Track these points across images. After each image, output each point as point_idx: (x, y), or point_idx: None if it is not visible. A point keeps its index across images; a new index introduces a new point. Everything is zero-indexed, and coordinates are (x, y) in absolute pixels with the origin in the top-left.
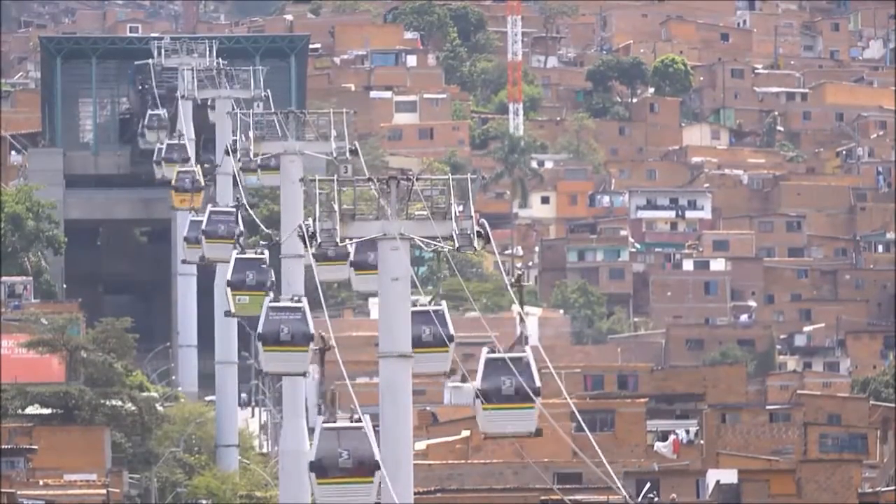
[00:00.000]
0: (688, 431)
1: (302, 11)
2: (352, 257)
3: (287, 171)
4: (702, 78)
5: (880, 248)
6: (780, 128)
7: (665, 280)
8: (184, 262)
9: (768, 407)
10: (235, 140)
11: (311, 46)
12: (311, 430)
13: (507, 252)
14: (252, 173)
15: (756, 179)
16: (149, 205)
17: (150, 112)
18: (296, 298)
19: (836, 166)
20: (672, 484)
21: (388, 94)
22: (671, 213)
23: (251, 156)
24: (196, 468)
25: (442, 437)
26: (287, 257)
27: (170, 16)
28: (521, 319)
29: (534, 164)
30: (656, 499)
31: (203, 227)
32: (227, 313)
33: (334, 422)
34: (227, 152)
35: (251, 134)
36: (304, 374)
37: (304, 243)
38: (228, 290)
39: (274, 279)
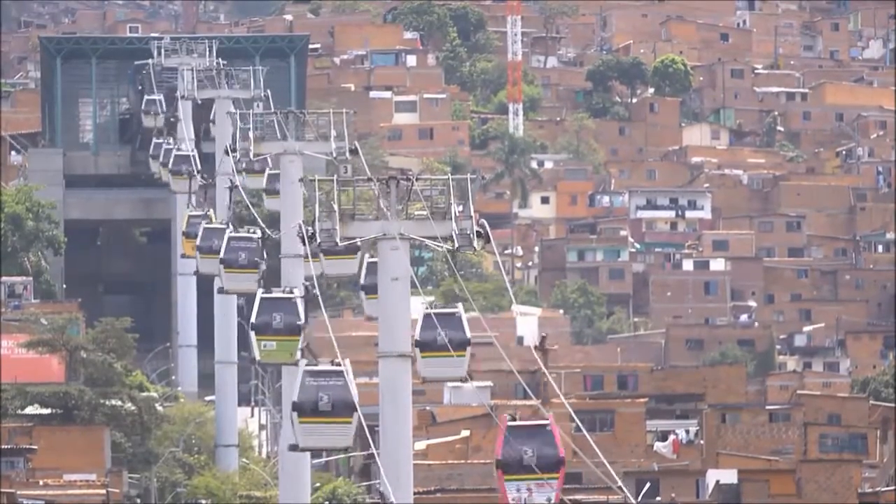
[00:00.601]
0: (688, 431)
1: (302, 11)
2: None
3: (287, 171)
4: (702, 78)
5: (880, 248)
6: (780, 128)
7: (665, 280)
8: (183, 256)
9: (768, 407)
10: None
11: (310, 46)
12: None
13: (507, 252)
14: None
15: (756, 179)
16: (149, 205)
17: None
18: (336, 363)
19: (836, 166)
20: (672, 484)
21: (387, 94)
22: (671, 213)
23: (251, 156)
24: (196, 468)
25: (442, 437)
26: (287, 257)
27: (170, 16)
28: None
29: (534, 164)
30: (658, 497)
31: (221, 254)
32: (252, 360)
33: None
34: (226, 152)
35: (251, 134)
36: (346, 450)
37: (304, 243)
38: (252, 334)
39: (304, 320)
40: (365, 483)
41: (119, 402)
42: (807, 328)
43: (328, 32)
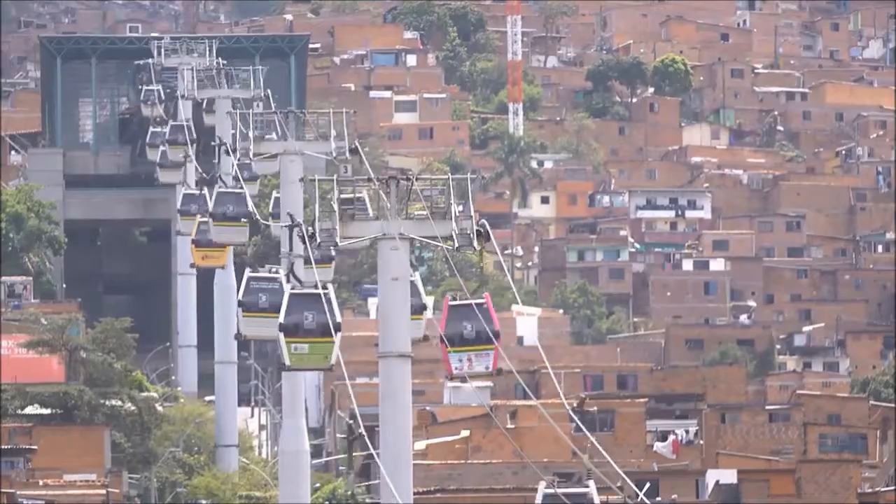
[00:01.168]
0: (687, 431)
1: (302, 11)
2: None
3: (287, 171)
4: (702, 78)
5: (880, 248)
6: (779, 128)
7: (665, 280)
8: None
9: (768, 407)
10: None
11: (310, 46)
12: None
13: (507, 252)
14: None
15: (756, 179)
16: (149, 205)
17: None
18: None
19: (835, 166)
20: (672, 484)
21: (387, 93)
22: (671, 213)
23: (251, 156)
24: (196, 468)
25: (441, 437)
26: (287, 256)
27: (170, 16)
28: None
29: (534, 164)
30: (658, 497)
31: (239, 297)
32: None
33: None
34: (226, 152)
35: (251, 134)
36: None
37: (304, 243)
38: (282, 336)
39: (339, 318)
40: (365, 483)
41: (119, 402)
42: (807, 328)
43: (328, 32)
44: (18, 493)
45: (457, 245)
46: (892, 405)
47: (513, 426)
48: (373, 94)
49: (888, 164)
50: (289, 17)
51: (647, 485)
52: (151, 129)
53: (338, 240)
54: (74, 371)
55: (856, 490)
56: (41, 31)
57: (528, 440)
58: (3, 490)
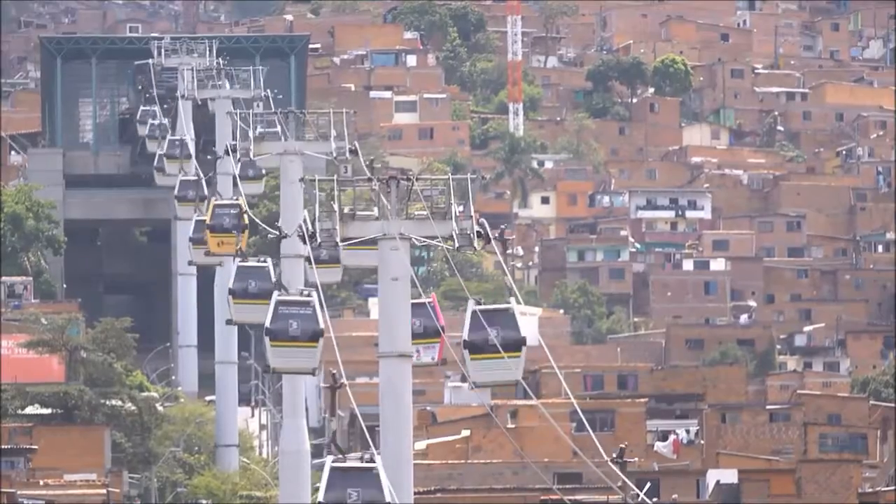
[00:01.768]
0: (688, 431)
1: (302, 11)
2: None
3: (287, 171)
4: (702, 78)
5: (880, 248)
6: (780, 128)
7: (665, 280)
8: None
9: (768, 407)
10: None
11: (310, 46)
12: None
13: (506, 252)
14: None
15: (756, 179)
16: (149, 205)
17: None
18: (305, 293)
19: (836, 166)
20: (672, 484)
21: (388, 94)
22: (671, 213)
23: (251, 156)
24: (196, 468)
25: (442, 437)
26: (287, 257)
27: (170, 16)
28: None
29: (534, 164)
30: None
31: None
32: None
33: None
34: (226, 152)
35: (251, 134)
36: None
37: (304, 243)
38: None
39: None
40: None
41: (119, 402)
42: (807, 328)
43: (328, 32)
44: (18, 493)
45: (457, 245)
46: (892, 405)
47: (513, 426)
48: (373, 94)
49: (888, 164)
50: (289, 17)
51: (648, 485)
52: (158, 152)
53: (338, 240)
54: (74, 371)
55: (856, 490)
56: (41, 31)
57: (529, 440)
58: (3, 490)
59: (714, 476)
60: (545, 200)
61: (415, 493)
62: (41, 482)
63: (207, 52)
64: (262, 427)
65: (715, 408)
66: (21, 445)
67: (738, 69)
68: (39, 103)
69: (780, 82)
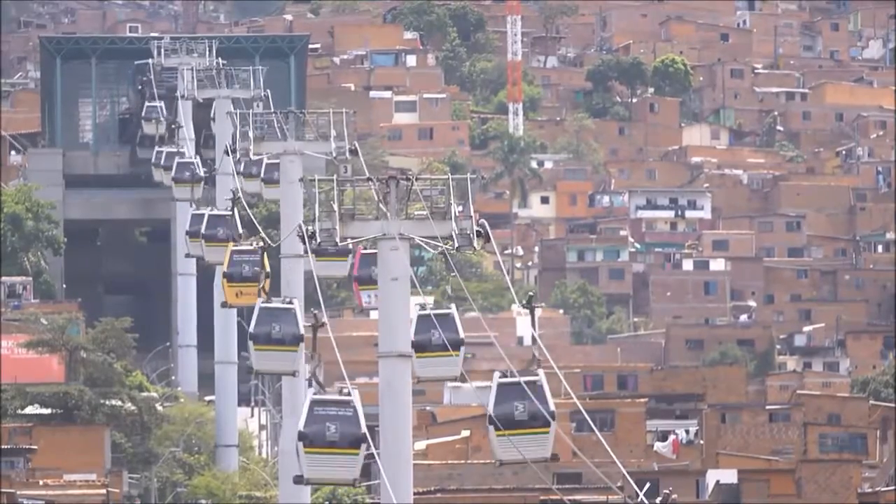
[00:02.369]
0: (687, 431)
1: (302, 11)
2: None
3: (287, 171)
4: (702, 78)
5: (880, 248)
6: (779, 128)
7: (665, 280)
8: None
9: (768, 407)
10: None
11: (310, 46)
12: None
13: (507, 252)
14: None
15: (756, 179)
16: (149, 205)
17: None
18: (287, 300)
19: (835, 166)
20: (672, 484)
21: (387, 94)
22: (671, 213)
23: (251, 156)
24: (196, 468)
25: (441, 437)
26: (287, 257)
27: (170, 16)
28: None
29: (533, 164)
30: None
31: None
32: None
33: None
34: (226, 152)
35: (251, 134)
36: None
37: (304, 243)
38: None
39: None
40: (365, 483)
41: (119, 402)
42: (807, 328)
43: (328, 32)
44: (18, 493)
45: (457, 245)
46: (892, 405)
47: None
48: (373, 94)
49: (888, 164)
50: (289, 17)
51: (647, 485)
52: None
53: (337, 240)
54: (74, 371)
55: (856, 490)
56: (41, 31)
57: None
58: (3, 490)
59: (714, 476)
60: (545, 200)
61: (415, 493)
62: (41, 482)
63: (207, 53)
64: (261, 427)
65: (715, 408)
66: (21, 445)
67: (737, 69)
68: (39, 103)
69: (779, 82)
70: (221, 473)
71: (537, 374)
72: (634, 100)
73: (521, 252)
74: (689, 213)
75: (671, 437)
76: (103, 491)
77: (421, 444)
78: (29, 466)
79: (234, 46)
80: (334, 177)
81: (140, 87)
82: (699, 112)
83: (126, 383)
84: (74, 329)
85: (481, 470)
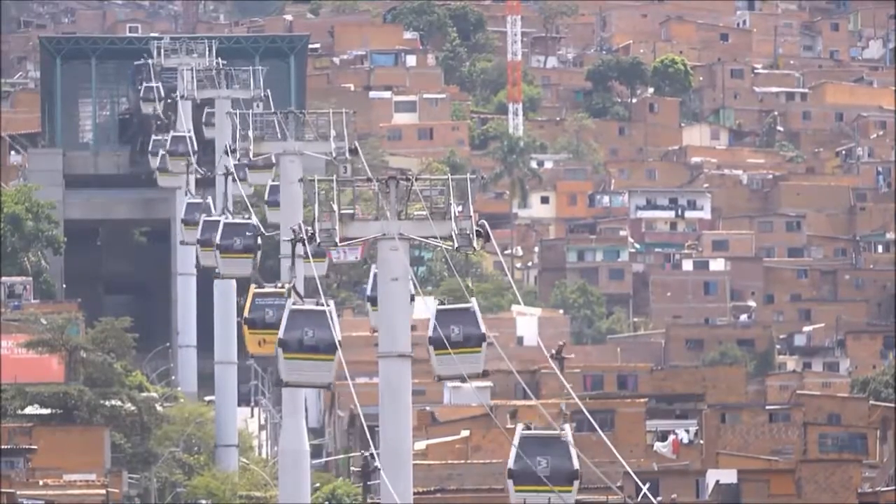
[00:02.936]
0: (687, 431)
1: (301, 11)
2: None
3: (286, 171)
4: (701, 78)
5: (880, 248)
6: (779, 128)
7: (665, 280)
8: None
9: (768, 407)
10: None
11: (310, 46)
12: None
13: (506, 252)
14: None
15: (756, 179)
16: (149, 205)
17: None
18: (320, 302)
19: (835, 166)
20: (672, 484)
21: (387, 94)
22: (671, 213)
23: (251, 156)
24: (195, 468)
25: (441, 437)
26: (287, 257)
27: (169, 16)
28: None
29: (533, 164)
30: (658, 498)
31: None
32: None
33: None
34: (225, 152)
35: (251, 134)
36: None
37: (303, 244)
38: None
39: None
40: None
41: (119, 403)
42: (807, 328)
43: (328, 32)
44: (18, 493)
45: (456, 245)
46: (892, 405)
47: (513, 426)
48: (372, 94)
49: (888, 164)
50: (288, 17)
51: (647, 485)
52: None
53: (337, 240)
54: (74, 371)
55: (856, 490)
56: (41, 31)
57: None
58: (3, 490)
59: (714, 476)
60: (545, 200)
61: (415, 493)
62: (41, 482)
63: (207, 53)
64: (261, 427)
65: (714, 408)
66: (21, 445)
67: (737, 69)
68: (39, 103)
69: (779, 82)
70: (221, 473)
71: (470, 302)
72: (634, 100)
73: (520, 252)
74: (688, 214)
75: (671, 437)
76: (103, 491)
77: (421, 444)
78: (29, 466)
79: (233, 46)
80: (334, 177)
81: (140, 87)
82: (699, 112)
83: (126, 383)
84: (74, 329)
85: (481, 470)
